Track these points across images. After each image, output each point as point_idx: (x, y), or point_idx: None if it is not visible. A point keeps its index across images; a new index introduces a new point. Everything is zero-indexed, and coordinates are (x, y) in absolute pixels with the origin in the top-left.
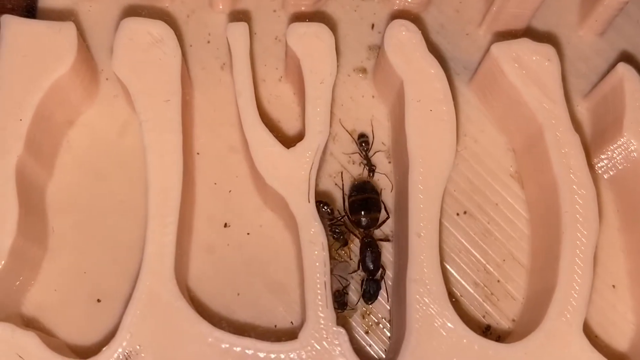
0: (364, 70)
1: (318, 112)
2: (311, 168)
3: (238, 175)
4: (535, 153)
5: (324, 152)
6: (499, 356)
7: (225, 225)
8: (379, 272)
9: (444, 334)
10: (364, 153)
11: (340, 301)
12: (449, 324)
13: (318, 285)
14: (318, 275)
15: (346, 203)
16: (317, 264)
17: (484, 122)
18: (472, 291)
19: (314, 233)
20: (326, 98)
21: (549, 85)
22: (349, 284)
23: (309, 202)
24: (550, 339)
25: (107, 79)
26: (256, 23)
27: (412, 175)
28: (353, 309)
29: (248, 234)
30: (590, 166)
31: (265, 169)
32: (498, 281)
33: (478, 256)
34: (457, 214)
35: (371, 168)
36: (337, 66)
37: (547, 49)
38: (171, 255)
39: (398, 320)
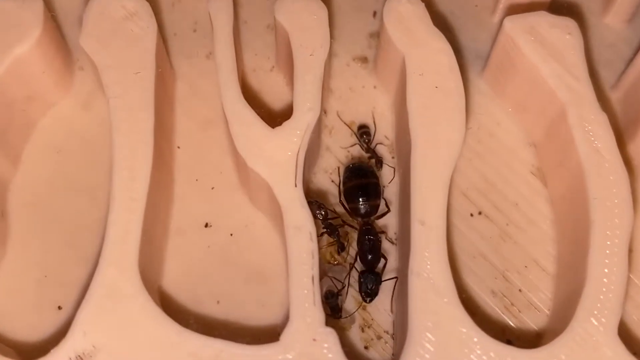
0: (364, 60)
1: (307, 88)
2: (299, 149)
3: (222, 171)
4: (557, 141)
5: (319, 147)
6: None
7: (206, 225)
8: (379, 264)
9: (453, 335)
10: (365, 145)
11: (333, 305)
12: (459, 327)
13: (304, 279)
14: (305, 267)
15: (342, 190)
16: (304, 254)
17: (499, 114)
18: (489, 301)
19: (300, 219)
20: (317, 72)
21: (571, 60)
22: (344, 287)
23: (295, 186)
24: (579, 344)
25: (82, 69)
26: (247, 10)
27: (415, 156)
28: (348, 316)
29: (231, 234)
30: (625, 158)
31: (246, 149)
32: (519, 290)
33: (496, 262)
34: (471, 215)
35: (378, 159)
36: (336, 55)
37: (567, 22)
38: (135, 244)
39: (402, 328)
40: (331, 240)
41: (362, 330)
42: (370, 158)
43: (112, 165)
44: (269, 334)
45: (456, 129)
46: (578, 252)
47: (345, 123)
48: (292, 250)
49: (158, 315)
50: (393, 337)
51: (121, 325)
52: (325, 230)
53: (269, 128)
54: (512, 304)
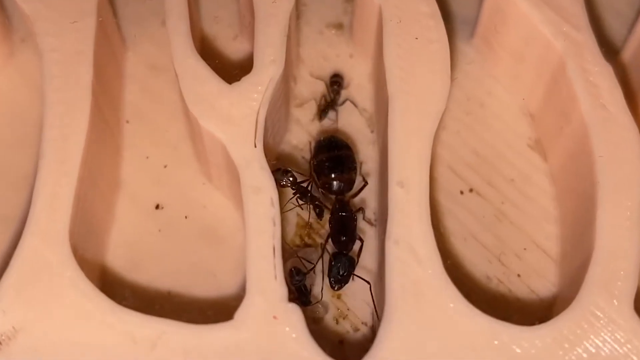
0: (339, 26)
1: (270, 39)
2: (260, 106)
3: (177, 146)
4: (557, 103)
5: (287, 118)
6: (516, 342)
7: (157, 206)
8: (354, 246)
9: (438, 311)
10: (332, 95)
11: (299, 286)
12: (445, 300)
13: (264, 249)
14: (264, 236)
15: (312, 164)
16: (264, 221)
17: (491, 83)
18: (483, 287)
19: (259, 180)
20: (281, 21)
21: (569, 9)
22: (314, 268)
23: (255, 146)
24: (588, 320)
25: (23, 40)
26: None
27: (393, 110)
28: (318, 302)
29: (186, 217)
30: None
31: (198, 106)
32: (518, 275)
33: (490, 244)
34: (461, 192)
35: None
36: (308, 22)
37: None
38: (65, 211)
39: (380, 305)
40: (302, 205)
41: (337, 322)
42: (329, 104)
43: (42, 123)
44: (220, 310)
45: (439, 80)
46: (584, 222)
47: (316, 77)
48: (250, 215)
49: (89, 290)
50: (372, 329)
51: (46, 302)
52: (297, 197)
53: (225, 83)
54: (510, 291)
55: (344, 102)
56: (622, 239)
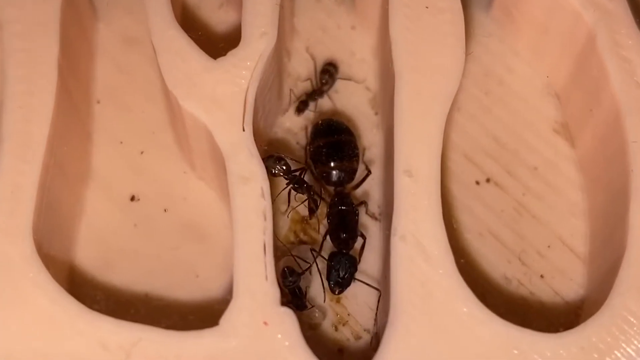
0: None
1: (260, 8)
2: (249, 85)
3: (155, 131)
4: (586, 81)
5: (279, 100)
6: (538, 351)
7: (133, 198)
8: (356, 244)
9: (450, 316)
10: (319, 83)
11: (293, 288)
12: (458, 304)
13: (254, 247)
14: (253, 231)
15: (308, 151)
16: (253, 214)
17: (512, 58)
18: (501, 290)
19: (248, 168)
20: None
21: None
22: (309, 267)
23: (243, 130)
24: (619, 327)
25: None
26: None
27: (399, 89)
28: (314, 306)
29: (165, 210)
30: None
31: (179, 84)
32: (541, 276)
33: (509, 241)
34: (477, 183)
35: (314, 95)
36: None
37: None
38: (29, 203)
39: (385, 308)
40: (296, 203)
41: (336, 329)
42: (311, 93)
43: (2, 103)
44: (204, 315)
45: (452, 55)
46: (615, 216)
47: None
48: (238, 208)
49: (55, 291)
50: (375, 336)
51: (7, 305)
52: (290, 186)
53: (210, 59)
54: (532, 293)
55: (323, 90)
56: None
